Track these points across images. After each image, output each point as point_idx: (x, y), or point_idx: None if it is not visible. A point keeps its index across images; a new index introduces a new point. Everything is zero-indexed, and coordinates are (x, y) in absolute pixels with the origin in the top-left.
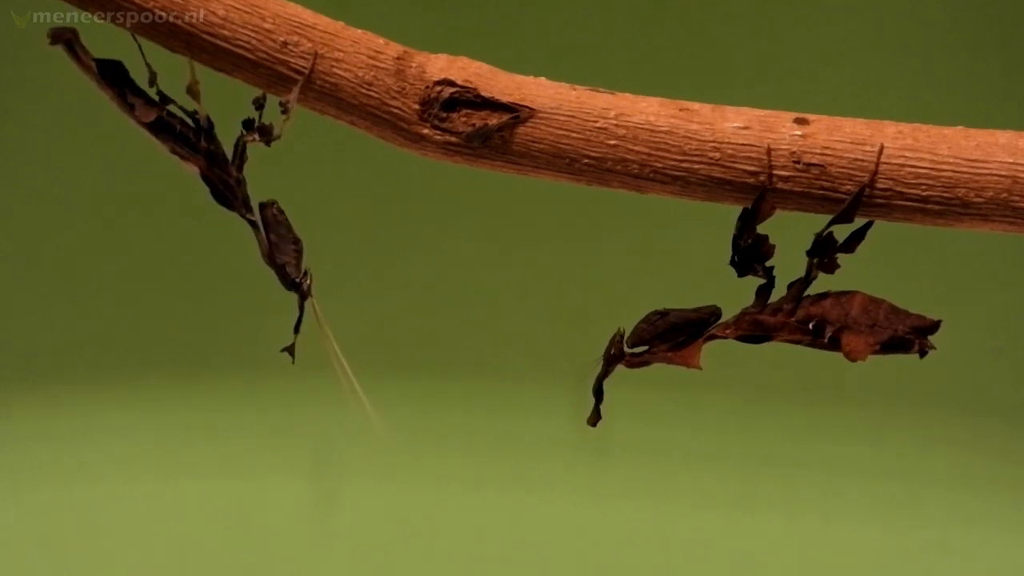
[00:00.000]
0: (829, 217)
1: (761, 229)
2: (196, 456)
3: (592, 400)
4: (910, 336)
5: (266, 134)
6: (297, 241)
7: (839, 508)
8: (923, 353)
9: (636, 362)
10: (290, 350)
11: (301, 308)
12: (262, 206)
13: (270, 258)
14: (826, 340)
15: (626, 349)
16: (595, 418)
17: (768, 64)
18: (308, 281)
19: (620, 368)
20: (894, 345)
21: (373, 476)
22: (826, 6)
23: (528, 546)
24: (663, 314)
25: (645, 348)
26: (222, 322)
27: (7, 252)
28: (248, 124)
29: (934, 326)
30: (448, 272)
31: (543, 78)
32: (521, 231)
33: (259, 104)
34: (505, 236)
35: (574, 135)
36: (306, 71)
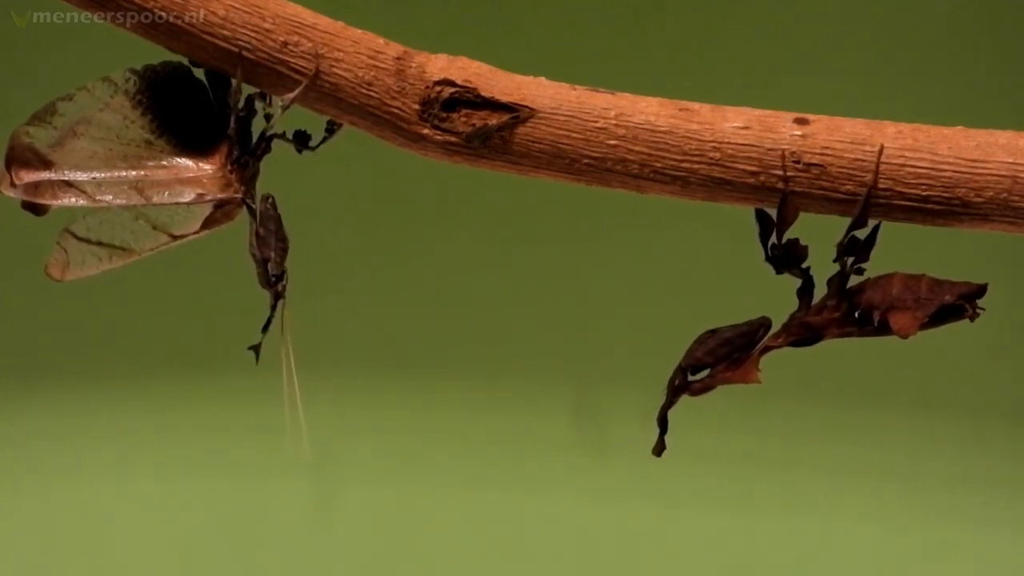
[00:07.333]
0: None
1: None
2: (196, 456)
3: (657, 430)
4: (957, 303)
5: (302, 142)
6: (284, 240)
7: (839, 508)
8: (974, 317)
9: (700, 388)
10: (255, 349)
11: (272, 308)
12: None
13: (255, 250)
14: (875, 325)
15: (689, 377)
16: (660, 448)
17: (768, 64)
18: (284, 282)
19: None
20: (943, 315)
21: (373, 476)
22: (826, 6)
23: (528, 546)
24: (713, 332)
25: (706, 372)
26: (222, 322)
27: (6, 252)
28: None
29: (980, 290)
30: (448, 272)
31: (543, 78)
32: (521, 231)
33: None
34: (505, 236)
35: (574, 135)
36: (308, 71)
